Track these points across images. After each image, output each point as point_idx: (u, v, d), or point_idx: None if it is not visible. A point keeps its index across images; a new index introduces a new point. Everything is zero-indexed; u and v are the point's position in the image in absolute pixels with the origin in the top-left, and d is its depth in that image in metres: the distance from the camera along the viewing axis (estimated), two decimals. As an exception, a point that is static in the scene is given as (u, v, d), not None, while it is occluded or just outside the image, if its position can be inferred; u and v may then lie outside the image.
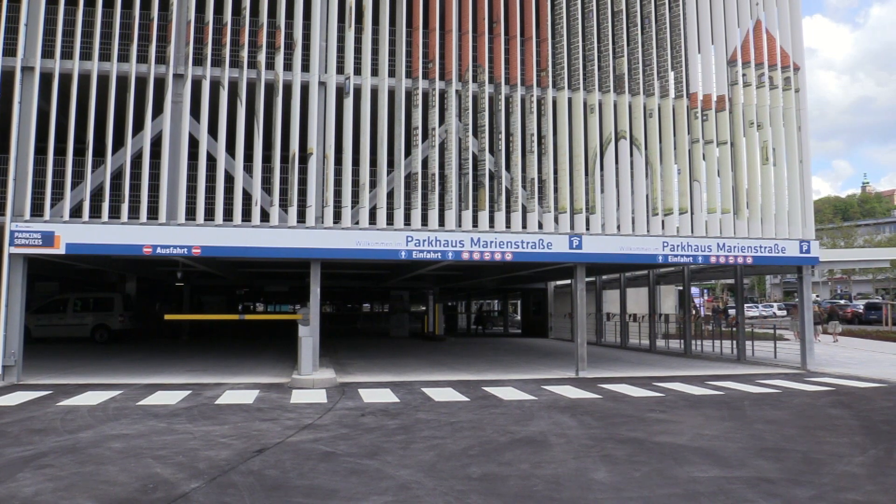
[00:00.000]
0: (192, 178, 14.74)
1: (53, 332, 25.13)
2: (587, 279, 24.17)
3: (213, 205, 14.66)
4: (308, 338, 14.48)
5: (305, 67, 15.49)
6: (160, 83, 14.93)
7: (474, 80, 16.23)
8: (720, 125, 17.51)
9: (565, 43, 16.74)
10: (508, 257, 15.71)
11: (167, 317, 17.03)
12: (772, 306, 56.80)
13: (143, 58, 14.80)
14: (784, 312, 51.23)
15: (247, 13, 15.17)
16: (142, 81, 14.86)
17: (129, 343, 25.49)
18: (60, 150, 14.38)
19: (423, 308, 38.21)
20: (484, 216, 15.86)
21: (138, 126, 14.81)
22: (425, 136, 16.02)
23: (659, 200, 17.02)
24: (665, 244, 16.57)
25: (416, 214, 15.51)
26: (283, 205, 15.13)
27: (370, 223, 15.37)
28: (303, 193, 15.23)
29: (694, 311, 29.65)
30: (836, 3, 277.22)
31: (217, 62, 15.14)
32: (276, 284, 35.34)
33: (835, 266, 49.57)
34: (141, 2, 14.79)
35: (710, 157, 17.55)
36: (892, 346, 24.95)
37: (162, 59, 14.93)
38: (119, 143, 14.76)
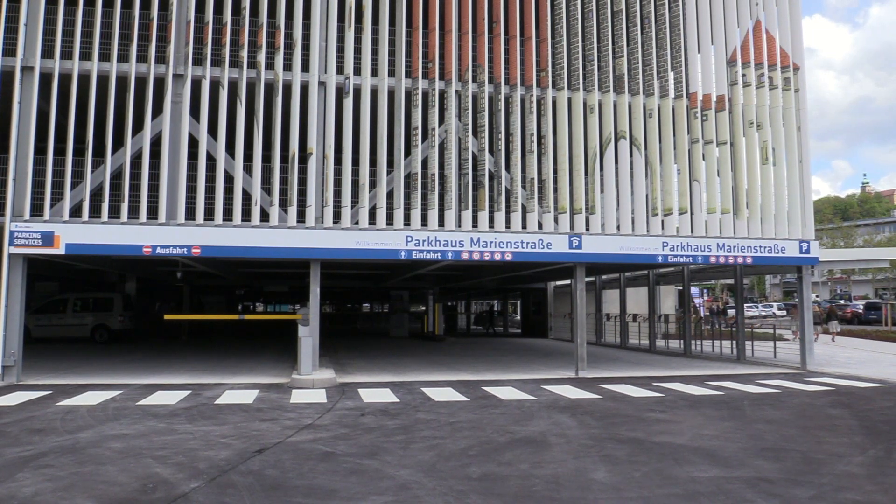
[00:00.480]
0: (191, 178, 14.73)
1: (53, 332, 25.12)
2: (587, 279, 24.17)
3: (213, 205, 14.66)
4: (308, 338, 14.48)
5: (305, 67, 15.49)
6: (160, 83, 14.92)
7: (474, 80, 16.23)
8: (720, 125, 17.52)
9: (565, 43, 16.74)
10: (508, 257, 15.71)
11: (167, 317, 17.00)
12: (771, 306, 56.80)
13: (142, 58, 14.80)
14: (784, 312, 51.23)
15: (246, 13, 15.17)
16: (141, 81, 14.85)
17: (128, 343, 25.48)
18: (60, 150, 14.38)
19: (423, 308, 38.22)
20: (484, 216, 15.86)
21: (138, 126, 14.80)
22: (425, 136, 16.02)
23: (659, 200, 17.03)
24: (665, 244, 16.57)
25: (416, 214, 15.51)
26: (283, 205, 15.13)
27: (370, 223, 15.37)
28: (302, 193, 15.23)
29: (694, 312, 29.64)
30: (835, 3, 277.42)
31: (217, 62, 15.13)
32: (276, 284, 35.33)
33: (834, 266, 49.61)
34: (141, 2, 14.79)
35: (709, 157, 17.55)
36: (891, 346, 24.95)
37: (161, 59, 14.93)
38: (119, 143, 14.76)
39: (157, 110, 14.92)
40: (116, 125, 14.73)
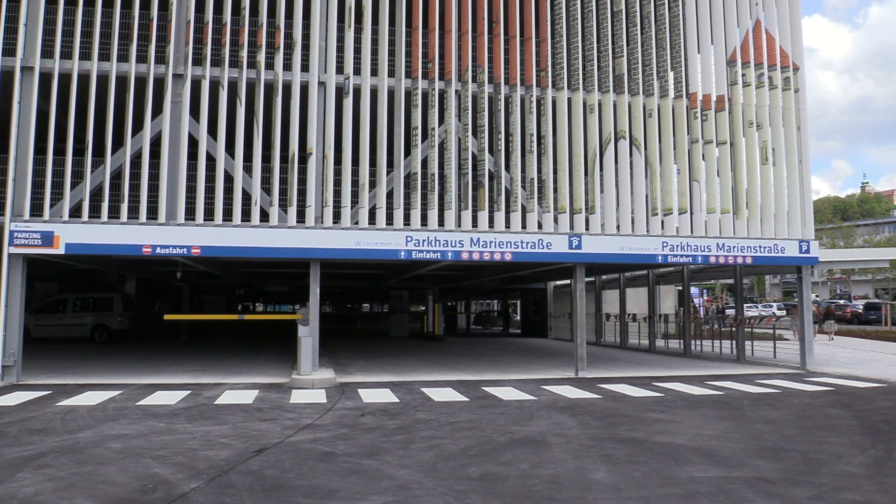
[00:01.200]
0: (191, 178, 14.73)
1: (53, 332, 25.12)
2: (587, 279, 24.16)
3: (213, 205, 14.65)
4: (307, 338, 14.48)
5: (305, 67, 15.49)
6: (159, 83, 14.92)
7: (474, 80, 16.23)
8: (720, 125, 17.52)
9: (565, 43, 16.74)
10: (508, 257, 15.71)
11: (167, 317, 17.01)
12: (771, 306, 56.79)
13: (142, 58, 14.80)
14: (784, 312, 51.22)
15: (246, 13, 15.17)
16: (141, 81, 14.85)
17: (128, 343, 25.48)
18: (60, 150, 14.37)
19: (423, 308, 38.22)
20: (483, 216, 15.86)
21: (138, 126, 14.80)
22: (425, 136, 16.02)
23: (658, 200, 17.03)
24: (665, 244, 16.57)
25: (416, 214, 15.51)
26: (283, 205, 15.13)
27: (370, 223, 15.37)
28: (302, 193, 15.23)
29: (694, 312, 29.64)
30: (835, 3, 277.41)
31: (216, 62, 15.13)
32: (276, 284, 35.34)
33: (834, 266, 49.60)
34: (140, 2, 14.78)
35: (709, 157, 17.55)
36: (891, 345, 24.95)
37: (161, 58, 14.92)
38: (118, 142, 14.76)
39: (157, 110, 14.92)
40: (116, 125, 14.73)
